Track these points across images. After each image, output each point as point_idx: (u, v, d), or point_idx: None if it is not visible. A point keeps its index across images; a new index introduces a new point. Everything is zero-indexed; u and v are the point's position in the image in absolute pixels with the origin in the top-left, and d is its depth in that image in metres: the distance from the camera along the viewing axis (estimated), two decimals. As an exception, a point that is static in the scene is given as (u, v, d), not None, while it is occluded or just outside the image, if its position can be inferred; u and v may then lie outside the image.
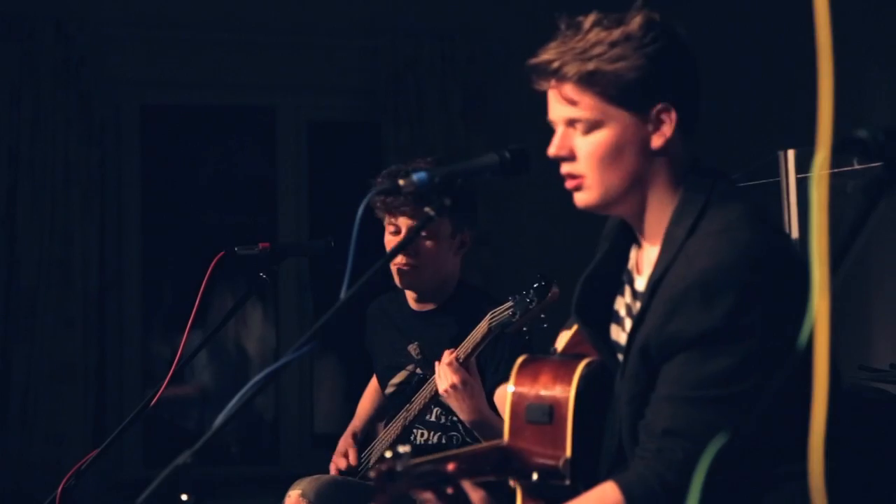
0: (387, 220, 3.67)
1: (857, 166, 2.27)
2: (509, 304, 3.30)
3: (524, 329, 3.37)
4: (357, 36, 6.10)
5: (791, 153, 2.89)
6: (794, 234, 2.84)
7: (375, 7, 6.12)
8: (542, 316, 3.30)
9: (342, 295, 2.31)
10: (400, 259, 3.64)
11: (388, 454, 2.25)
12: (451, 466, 2.36)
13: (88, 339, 5.70)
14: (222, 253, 3.36)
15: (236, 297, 3.56)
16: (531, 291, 3.25)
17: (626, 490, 2.24)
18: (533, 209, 6.17)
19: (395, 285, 3.79)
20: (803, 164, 2.86)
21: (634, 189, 2.34)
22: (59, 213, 5.69)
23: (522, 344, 3.42)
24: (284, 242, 5.09)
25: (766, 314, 2.18)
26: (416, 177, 2.40)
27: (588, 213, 2.49)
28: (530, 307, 3.25)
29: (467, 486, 2.37)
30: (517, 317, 3.28)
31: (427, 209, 2.43)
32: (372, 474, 2.24)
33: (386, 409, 3.92)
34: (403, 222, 3.62)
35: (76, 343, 5.66)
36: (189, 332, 3.19)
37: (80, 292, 5.68)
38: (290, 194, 6.18)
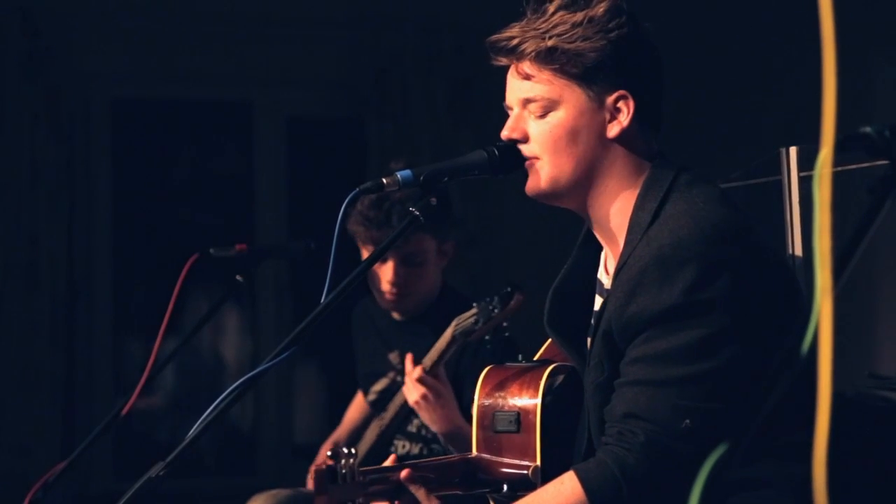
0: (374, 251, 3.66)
1: (862, 164, 2.28)
2: (474, 310, 3.32)
3: (486, 337, 3.40)
4: (338, 27, 6.10)
5: (793, 150, 2.90)
6: (797, 234, 2.85)
7: (358, -3, 6.13)
8: (505, 324, 3.35)
9: (323, 300, 2.32)
10: (387, 287, 3.67)
11: (329, 453, 2.25)
12: (404, 473, 2.36)
13: (56, 344, 5.69)
14: (197, 255, 3.36)
15: (212, 302, 3.56)
16: (495, 298, 3.27)
17: (583, 478, 2.25)
18: (523, 208, 6.17)
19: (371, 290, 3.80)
20: (806, 162, 2.87)
21: (586, 178, 2.38)
22: (25, 212, 5.67)
23: (504, 351, 3.43)
24: (262, 244, 5.12)
25: (728, 291, 2.21)
26: (400, 175, 2.41)
27: (578, 215, 2.50)
28: (493, 314, 3.27)
29: (422, 497, 2.37)
30: (480, 324, 3.30)
31: (412, 209, 2.43)
32: (310, 476, 2.24)
33: (371, 420, 3.93)
34: (390, 252, 3.62)
35: (43, 349, 5.65)
36: (162, 338, 3.19)
37: (47, 295, 5.67)
38: (268, 193, 6.18)
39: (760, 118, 5.84)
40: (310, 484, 3.94)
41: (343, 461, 2.24)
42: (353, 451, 2.27)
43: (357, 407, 4.08)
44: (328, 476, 2.23)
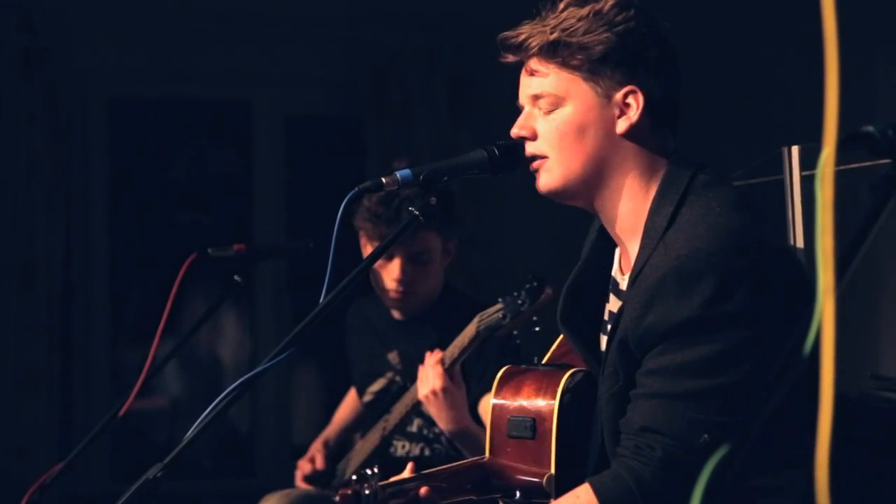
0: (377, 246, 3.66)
1: (864, 163, 2.28)
2: (499, 305, 3.26)
3: (514, 332, 3.36)
4: (338, 26, 6.10)
5: (795, 149, 2.89)
6: (799, 233, 2.85)
7: (357, -5, 6.12)
8: (534, 319, 3.28)
9: (321, 300, 2.31)
10: (393, 285, 3.66)
11: (355, 477, 2.26)
12: (423, 490, 2.35)
13: (53, 345, 5.68)
14: (195, 255, 3.36)
15: (210, 302, 3.56)
16: (522, 293, 3.21)
17: (599, 490, 2.24)
18: (523, 208, 6.17)
19: (374, 289, 3.79)
20: (808, 161, 2.87)
21: (596, 175, 2.37)
22: (21, 212, 5.67)
23: (511, 350, 3.41)
24: (261, 244, 5.11)
25: (747, 303, 2.19)
26: (399, 174, 2.40)
27: (583, 212, 2.50)
28: (521, 309, 3.21)
29: None
30: (507, 319, 3.23)
31: (412, 209, 2.43)
32: (336, 499, 2.24)
33: (364, 420, 3.92)
34: (398, 250, 3.62)
35: (40, 350, 5.65)
36: (160, 339, 3.19)
37: (44, 296, 5.67)
38: (266, 193, 6.17)
39: (762, 117, 5.84)
40: (298, 478, 3.96)
41: (366, 483, 2.24)
42: (375, 471, 2.26)
43: (348, 406, 4.07)
44: (353, 501, 2.23)
